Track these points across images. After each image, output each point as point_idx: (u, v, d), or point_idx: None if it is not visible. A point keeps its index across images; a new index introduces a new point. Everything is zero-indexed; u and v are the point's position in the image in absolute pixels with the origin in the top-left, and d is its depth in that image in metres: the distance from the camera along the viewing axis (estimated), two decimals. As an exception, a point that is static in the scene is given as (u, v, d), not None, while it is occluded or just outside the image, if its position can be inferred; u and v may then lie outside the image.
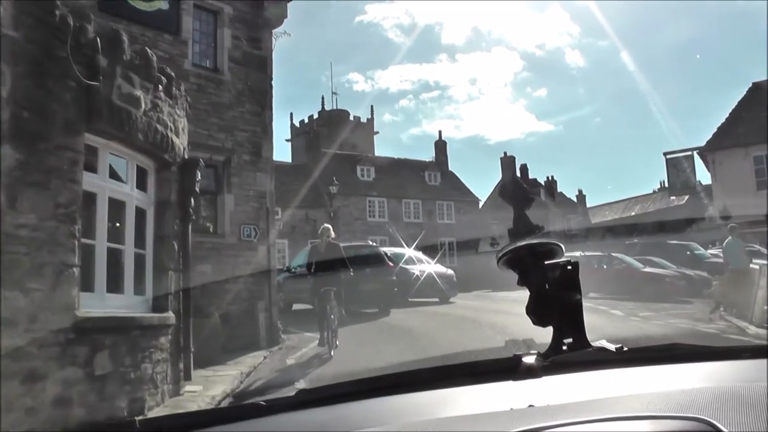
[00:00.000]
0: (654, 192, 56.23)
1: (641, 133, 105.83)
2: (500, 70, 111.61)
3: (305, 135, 53.17)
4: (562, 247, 1.41)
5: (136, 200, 7.05)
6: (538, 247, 1.41)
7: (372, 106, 74.82)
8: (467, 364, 1.52)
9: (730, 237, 14.51)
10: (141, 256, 7.16)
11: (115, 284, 6.61)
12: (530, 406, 1.19)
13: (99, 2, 10.15)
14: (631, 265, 21.81)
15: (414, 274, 19.57)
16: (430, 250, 40.09)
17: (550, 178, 56.55)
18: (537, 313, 1.39)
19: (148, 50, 7.07)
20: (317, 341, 10.88)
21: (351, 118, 65.19)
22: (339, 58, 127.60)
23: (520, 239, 1.44)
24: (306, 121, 63.85)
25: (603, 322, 13.37)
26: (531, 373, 1.35)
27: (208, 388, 7.82)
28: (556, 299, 1.39)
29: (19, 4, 5.20)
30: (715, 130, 25.22)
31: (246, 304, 11.68)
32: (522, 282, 1.42)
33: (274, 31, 13.65)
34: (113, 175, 6.72)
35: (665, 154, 22.91)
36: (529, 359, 1.38)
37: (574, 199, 58.67)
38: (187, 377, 7.70)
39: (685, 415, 1.04)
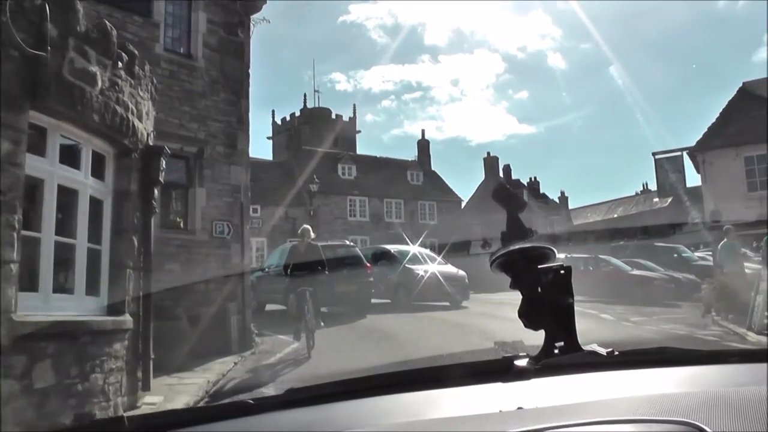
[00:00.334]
0: (637, 194, 56.33)
1: (623, 135, 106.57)
2: (482, 72, 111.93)
3: (286, 132, 52.43)
4: (555, 251, 1.40)
5: (90, 189, 6.29)
6: (531, 251, 1.40)
7: (354, 105, 74.77)
8: (457, 365, 1.53)
9: (725, 239, 14.02)
10: (96, 252, 6.41)
11: (63, 284, 5.87)
12: (519, 408, 1.19)
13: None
14: (619, 267, 21.46)
15: (418, 274, 18.02)
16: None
17: (533, 179, 56.54)
18: (529, 316, 1.38)
19: (107, 23, 6.33)
20: (292, 344, 10.77)
21: (333, 116, 64.84)
22: (322, 57, 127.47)
23: (513, 243, 1.42)
24: (288, 118, 63.27)
25: (593, 326, 12.85)
26: (522, 375, 1.35)
27: (169, 399, 7.08)
28: (548, 303, 1.37)
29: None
30: (704, 130, 24.85)
31: (217, 305, 10.90)
32: (515, 285, 1.40)
33: (252, 17, 12.89)
34: (65, 160, 5.96)
35: (654, 154, 22.44)
36: (521, 362, 1.38)
37: (557, 201, 58.59)
38: (146, 387, 6.94)
39: (673, 418, 1.04)
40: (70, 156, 6.06)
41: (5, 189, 4.85)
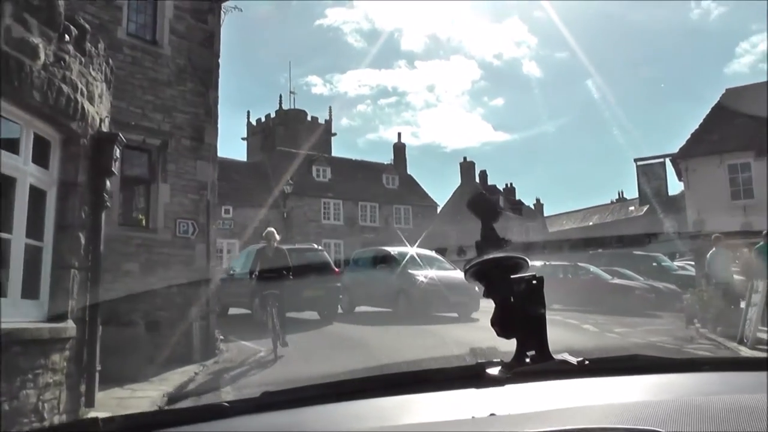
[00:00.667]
0: (612, 202, 56.47)
1: (598, 144, 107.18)
2: (458, 79, 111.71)
3: (261, 133, 51.59)
4: (528, 261, 1.42)
5: (31, 178, 5.52)
6: (504, 260, 1.41)
7: (330, 107, 74.19)
8: (432, 370, 1.53)
9: (714, 248, 13.56)
10: (36, 249, 5.65)
11: (-7, 285, 5.11)
12: (492, 414, 1.19)
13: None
14: (599, 275, 21.03)
15: (420, 280, 15.85)
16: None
17: (508, 186, 56.40)
18: (501, 324, 1.38)
19: (54, -9, 5.60)
20: (258, 351, 10.58)
21: (309, 118, 64.15)
22: (298, 60, 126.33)
23: (487, 252, 1.45)
24: (263, 119, 62.40)
25: (577, 337, 12.31)
26: (494, 382, 1.36)
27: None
28: (520, 312, 1.38)
29: None
30: (687, 137, 24.56)
31: (179, 309, 10.12)
32: (488, 294, 1.42)
33: (223, 4, 12.13)
34: (0, 143, 5.21)
35: (636, 160, 22.15)
36: (493, 369, 1.39)
37: (532, 208, 58.54)
38: (90, 403, 6.14)
39: (643, 427, 1.04)
40: (6, 139, 5.31)
41: None
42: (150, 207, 10.31)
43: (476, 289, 14.74)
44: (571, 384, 1.38)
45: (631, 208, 51.02)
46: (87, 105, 6.04)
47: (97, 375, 6.27)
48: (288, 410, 1.37)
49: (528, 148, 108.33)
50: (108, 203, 6.62)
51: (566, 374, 1.41)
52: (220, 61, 11.50)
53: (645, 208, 47.62)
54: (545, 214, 60.30)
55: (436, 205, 47.53)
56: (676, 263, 24.40)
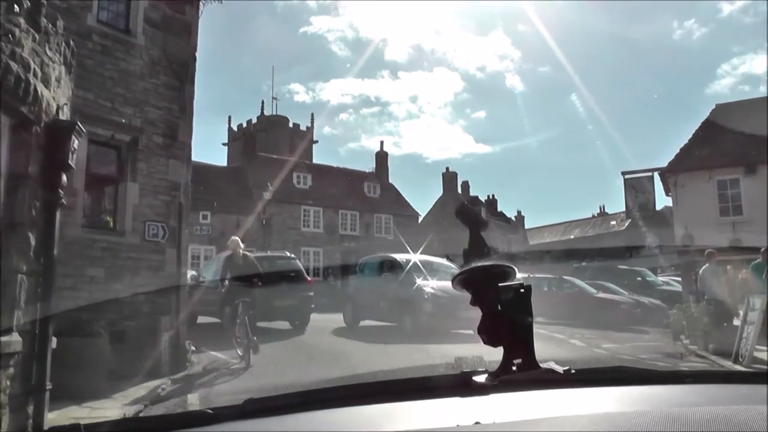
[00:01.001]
0: (593, 216, 56.35)
1: (580, 158, 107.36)
2: (441, 90, 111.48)
3: (242, 138, 50.76)
4: (516, 269, 1.41)
5: (-29, 169, 4.84)
6: (492, 269, 1.41)
7: (312, 114, 73.61)
8: (416, 379, 1.54)
9: (707, 264, 13.15)
10: (-24, 251, 4.95)
11: None
12: (477, 423, 1.19)
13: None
14: (584, 289, 20.75)
15: (426, 292, 13.99)
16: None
17: (491, 197, 56.14)
18: (488, 333, 1.37)
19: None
20: (228, 362, 10.28)
21: (290, 125, 63.64)
22: (281, 67, 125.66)
23: (474, 260, 1.47)
24: (244, 125, 61.68)
25: (564, 353, 11.77)
26: (480, 390, 1.36)
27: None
28: (507, 320, 1.37)
29: None
30: (665, 155, 24.38)
31: (147, 319, 9.37)
32: (475, 302, 1.41)
33: (202, -5, 11.45)
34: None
35: (624, 173, 21.75)
36: (479, 378, 1.39)
37: (513, 220, 58.35)
38: (38, 426, 5.41)
39: None
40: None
41: None
42: (117, 208, 9.56)
43: None
44: (557, 393, 1.39)
45: (613, 222, 50.98)
46: (41, 88, 5.35)
47: (47, 394, 5.52)
48: (271, 417, 1.36)
49: (509, 161, 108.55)
50: (63, 200, 5.91)
51: (552, 384, 1.41)
52: (197, 54, 10.82)
53: (627, 223, 47.60)
54: (526, 227, 60.10)
55: (417, 215, 46.92)
56: (660, 278, 24.26)
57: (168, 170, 10.03)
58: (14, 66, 4.90)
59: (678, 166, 23.44)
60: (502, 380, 1.36)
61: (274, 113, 64.04)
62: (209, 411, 1.34)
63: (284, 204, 37.95)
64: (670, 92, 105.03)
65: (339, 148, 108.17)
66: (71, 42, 6.19)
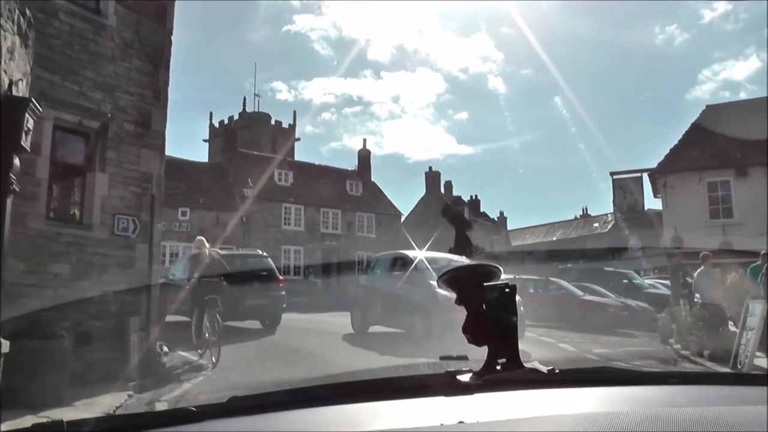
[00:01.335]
0: (576, 218, 56.33)
1: (562, 160, 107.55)
2: (423, 91, 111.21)
3: (224, 135, 49.99)
4: (501, 269, 1.41)
5: None
6: (477, 268, 1.42)
7: (295, 112, 73.05)
8: (401, 378, 1.56)
9: (702, 266, 12.79)
10: None
11: None
12: (460, 422, 1.19)
13: None
14: (571, 291, 20.48)
15: (439, 294, 11.34)
16: (346, 267, 37.89)
17: (473, 197, 55.91)
18: (473, 332, 1.38)
19: None
20: (197, 362, 10.24)
21: (272, 122, 63.04)
22: (264, 65, 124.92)
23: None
24: (226, 121, 60.90)
25: (560, 359, 11.31)
26: (465, 390, 1.35)
27: (17, 457, 5.00)
28: (492, 320, 1.38)
29: None
30: (648, 158, 24.20)
31: (115, 319, 8.73)
32: (460, 301, 1.42)
33: (180, -24, 10.82)
34: None
35: (612, 174, 21.42)
36: (464, 377, 1.38)
37: (495, 220, 58.16)
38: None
39: None
40: None
41: None
42: (85, 199, 8.91)
43: (521, 308, 12.22)
44: (541, 393, 1.37)
45: (596, 224, 50.99)
46: (-11, 60, 4.74)
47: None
48: (255, 416, 1.34)
49: (491, 162, 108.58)
50: (16, 186, 5.30)
51: (536, 383, 1.40)
52: (173, 38, 10.17)
53: (610, 225, 47.50)
54: (508, 228, 59.93)
55: (399, 214, 46.42)
56: (647, 281, 24.08)
57: (140, 160, 9.39)
58: (-45, 32, 4.30)
59: (667, 167, 23.14)
60: (487, 380, 1.36)
61: (256, 110, 63.36)
62: (193, 409, 1.33)
63: (265, 201, 37.25)
64: (651, 96, 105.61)
65: (321, 147, 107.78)
66: (27, 11, 5.58)
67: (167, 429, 1.29)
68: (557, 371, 1.44)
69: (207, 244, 11.27)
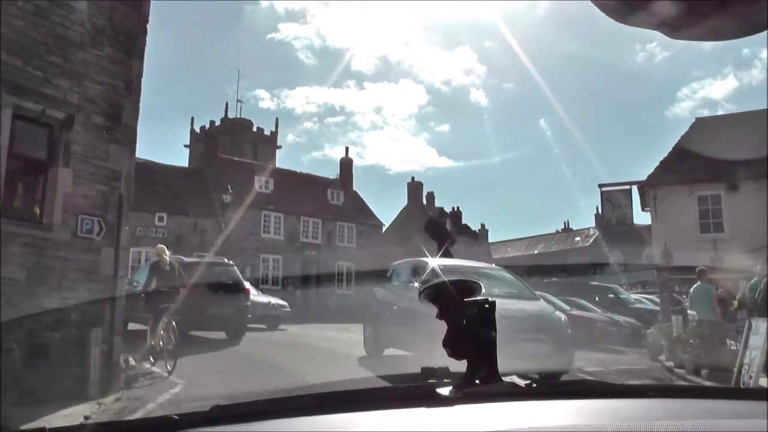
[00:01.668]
0: (557, 232, 56.28)
1: (544, 173, 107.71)
2: (405, 102, 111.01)
3: (205, 140, 49.19)
4: (481, 285, 1.44)
5: None
6: (458, 284, 1.43)
7: (277, 119, 72.37)
8: (382, 388, 1.62)
9: (698, 282, 12.32)
10: None
11: None
12: None
13: None
14: (557, 305, 19.77)
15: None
16: (325, 278, 37.19)
17: (455, 209, 55.49)
18: (453, 346, 1.40)
19: None
20: (156, 373, 9.99)
21: (254, 129, 62.34)
22: (246, 72, 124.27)
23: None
24: (207, 126, 60.06)
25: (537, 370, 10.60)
26: (443, 402, 1.36)
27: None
28: (472, 334, 1.39)
29: None
30: (628, 174, 23.97)
31: (74, 330, 7.92)
32: (441, 316, 1.43)
33: (159, -38, 10.14)
34: None
35: (600, 186, 21.10)
36: (443, 389, 1.39)
37: (477, 233, 57.83)
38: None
39: None
40: None
41: None
42: (46, 197, 8.12)
43: (568, 330, 11.14)
44: (520, 406, 1.38)
45: (578, 238, 50.88)
46: None
47: None
48: (237, 424, 1.34)
49: (472, 174, 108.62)
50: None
51: (514, 396, 1.41)
52: (148, 27, 9.44)
53: (592, 239, 47.37)
54: (489, 241, 59.64)
55: (381, 224, 45.86)
56: (633, 296, 23.81)
57: (108, 156, 8.62)
58: None
59: (657, 179, 22.86)
60: (465, 392, 1.37)
61: (238, 116, 62.65)
62: (175, 417, 1.33)
63: (245, 208, 36.49)
64: (631, 113, 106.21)
65: (302, 156, 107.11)
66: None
67: None
68: (534, 385, 1.46)
69: (168, 252, 11.29)
